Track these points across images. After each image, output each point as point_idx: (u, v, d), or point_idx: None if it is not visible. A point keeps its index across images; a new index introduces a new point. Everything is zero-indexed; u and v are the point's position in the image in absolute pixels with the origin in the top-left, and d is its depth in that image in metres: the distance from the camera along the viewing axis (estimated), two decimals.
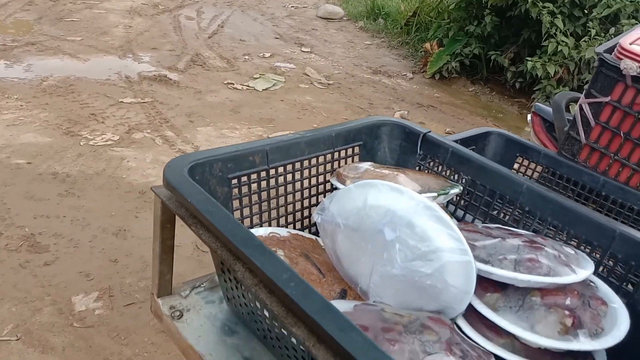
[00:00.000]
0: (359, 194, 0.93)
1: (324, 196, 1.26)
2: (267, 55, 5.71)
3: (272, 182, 1.15)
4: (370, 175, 1.13)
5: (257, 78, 4.95)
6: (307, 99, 4.66)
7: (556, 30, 4.16)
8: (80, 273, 2.35)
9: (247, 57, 5.57)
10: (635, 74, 1.44)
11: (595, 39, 4.16)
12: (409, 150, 1.33)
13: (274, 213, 1.17)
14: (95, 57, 5.05)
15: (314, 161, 1.22)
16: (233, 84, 4.76)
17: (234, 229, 0.79)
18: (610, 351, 0.92)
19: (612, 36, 4.16)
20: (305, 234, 1.17)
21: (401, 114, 4.59)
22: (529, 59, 4.40)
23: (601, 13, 4.12)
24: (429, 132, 1.32)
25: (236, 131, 3.90)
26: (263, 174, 1.12)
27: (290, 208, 1.22)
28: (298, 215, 1.23)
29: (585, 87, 1.57)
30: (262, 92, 4.68)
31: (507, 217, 1.17)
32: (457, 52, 5.28)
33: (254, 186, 1.12)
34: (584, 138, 1.58)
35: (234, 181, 1.07)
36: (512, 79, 5.08)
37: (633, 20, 4.18)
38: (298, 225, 1.23)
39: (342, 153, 1.28)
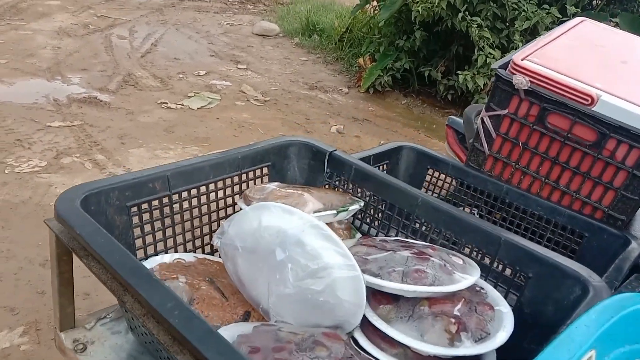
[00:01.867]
0: (254, 216, 0.96)
1: None
2: (202, 73, 5.69)
3: (176, 207, 1.16)
4: (274, 196, 1.16)
5: (191, 97, 4.92)
6: (243, 116, 4.67)
7: (484, 42, 4.36)
8: (4, 308, 2.25)
9: (181, 75, 5.53)
10: (526, 87, 1.54)
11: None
12: (317, 169, 1.37)
13: (179, 239, 1.18)
14: (21, 80, 4.88)
15: (220, 184, 1.24)
16: (167, 103, 4.71)
17: (122, 261, 0.80)
18: (502, 350, 0.98)
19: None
20: (214, 257, 1.18)
21: (337, 128, 4.67)
22: (459, 72, 4.58)
23: (522, 26, 4.35)
24: (335, 150, 1.37)
25: (170, 151, 3.85)
26: (165, 200, 1.13)
27: (197, 232, 1.23)
28: (206, 239, 1.24)
29: (485, 100, 1.67)
30: (197, 111, 4.65)
31: (406, 229, 1.23)
32: (389, 67, 5.43)
33: (156, 213, 1.12)
34: (487, 149, 1.68)
35: (134, 209, 1.07)
36: (444, 91, 5.27)
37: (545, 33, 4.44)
38: (207, 249, 1.24)
39: (250, 174, 1.31)
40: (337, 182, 1.36)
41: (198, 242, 1.22)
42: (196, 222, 1.22)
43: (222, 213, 1.28)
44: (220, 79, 5.60)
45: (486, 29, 4.36)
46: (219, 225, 1.27)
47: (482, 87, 4.54)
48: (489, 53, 4.38)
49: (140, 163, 3.62)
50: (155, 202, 1.11)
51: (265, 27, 7.75)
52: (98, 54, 5.90)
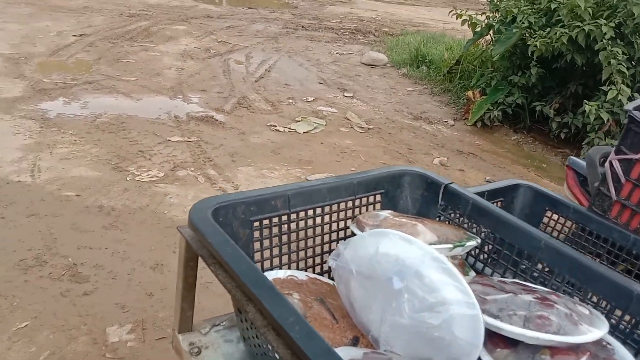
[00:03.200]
0: (371, 242, 0.96)
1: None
2: (310, 99, 5.87)
3: (293, 226, 1.19)
4: (388, 224, 1.16)
5: (299, 121, 5.09)
6: (346, 142, 4.74)
7: (619, 77, 4.10)
8: (116, 304, 2.43)
9: (291, 100, 5.75)
10: None
11: None
12: (431, 201, 1.36)
13: (293, 256, 1.21)
14: (147, 97, 5.34)
15: (335, 207, 1.26)
16: (275, 126, 4.91)
17: (248, 271, 0.84)
18: None
19: None
20: (324, 278, 1.20)
21: (440, 160, 4.59)
22: (587, 102, 4.32)
23: None
24: (451, 183, 1.34)
25: (275, 172, 3.99)
26: (284, 217, 1.17)
27: (310, 252, 1.26)
28: (317, 259, 1.26)
29: (616, 143, 1.57)
30: (303, 135, 4.80)
31: (525, 272, 1.17)
32: (500, 101, 5.27)
33: (275, 229, 1.16)
34: (615, 194, 1.56)
35: (256, 224, 1.12)
36: (557, 129, 5.01)
37: None
38: (317, 269, 1.26)
39: (364, 200, 1.32)
40: (451, 216, 1.33)
41: (310, 262, 1.25)
42: (310, 242, 1.25)
43: (334, 235, 1.30)
44: (327, 105, 5.75)
45: (623, 64, 4.09)
46: (330, 247, 1.29)
47: (605, 122, 4.25)
48: (621, 89, 4.10)
49: (247, 180, 3.79)
50: (275, 219, 1.16)
51: (373, 57, 7.87)
52: (217, 76, 6.31)
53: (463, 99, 6.16)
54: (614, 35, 4.12)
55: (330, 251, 1.29)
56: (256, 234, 1.13)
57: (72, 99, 4.99)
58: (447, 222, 1.32)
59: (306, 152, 4.42)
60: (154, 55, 6.78)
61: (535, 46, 4.45)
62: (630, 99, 4.21)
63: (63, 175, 3.55)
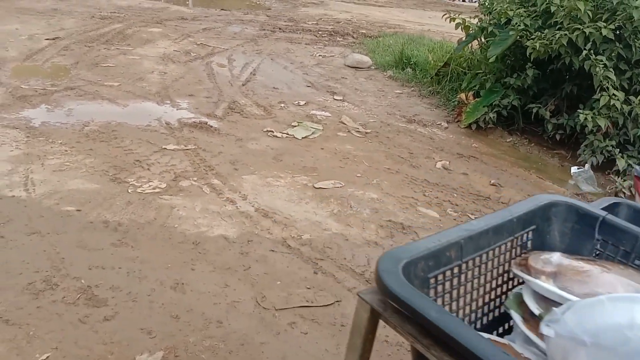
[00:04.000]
0: (618, 310, 0.83)
1: (506, 287, 1.16)
2: (302, 103, 5.73)
3: (463, 277, 1.06)
4: (570, 271, 1.03)
5: (295, 126, 4.95)
6: (347, 147, 4.63)
7: (608, 83, 4.13)
8: (141, 330, 2.24)
9: (282, 105, 5.60)
10: None
11: None
12: (583, 234, 1.23)
13: (467, 309, 1.08)
14: (134, 103, 5.10)
15: (497, 250, 1.14)
16: (272, 131, 4.75)
17: (474, 341, 0.69)
18: None
19: None
20: (498, 339, 1.07)
21: (443, 164, 4.53)
22: (580, 111, 4.35)
23: None
24: (608, 215, 1.22)
25: (281, 180, 3.85)
26: (456, 269, 1.04)
27: (480, 302, 1.13)
28: (486, 308, 1.13)
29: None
30: (301, 140, 4.66)
31: None
32: (495, 104, 5.27)
33: (448, 284, 1.03)
34: None
35: (432, 280, 0.98)
36: (553, 130, 5.04)
37: None
38: (484, 319, 1.13)
39: (518, 240, 1.20)
40: (613, 253, 1.20)
41: (479, 313, 1.12)
42: (480, 291, 1.11)
43: (498, 281, 1.16)
44: (319, 109, 5.62)
45: (611, 70, 4.13)
46: (495, 295, 1.16)
47: (602, 128, 4.28)
48: (614, 94, 4.14)
49: (254, 190, 3.62)
50: (448, 273, 1.03)
51: (357, 59, 7.79)
52: (202, 80, 6.10)
53: (454, 101, 6.14)
54: (613, 38, 4.16)
55: (498, 298, 1.15)
56: (432, 292, 0.99)
57: (55, 106, 4.71)
58: (620, 263, 1.17)
59: (308, 159, 4.29)
60: (134, 59, 6.51)
61: (534, 47, 4.45)
62: (627, 101, 4.25)
63: (59, 188, 3.31)
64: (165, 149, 4.12)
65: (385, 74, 7.53)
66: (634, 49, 4.20)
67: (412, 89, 6.92)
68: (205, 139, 4.42)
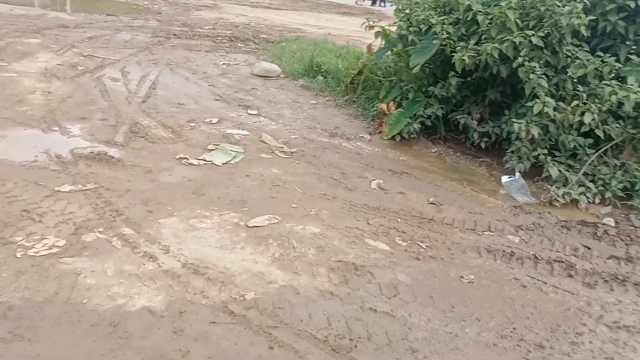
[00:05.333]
0: None
1: None
2: (214, 120, 5.18)
3: None
4: None
5: (212, 150, 4.39)
6: (274, 171, 4.17)
7: (541, 90, 4.06)
8: None
9: (192, 124, 5.00)
10: None
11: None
12: None
13: None
14: (14, 132, 4.26)
15: None
16: (187, 158, 4.16)
17: None
18: None
19: (585, 95, 4.13)
20: None
21: (378, 183, 4.23)
22: (515, 121, 4.25)
23: (576, 73, 4.09)
24: None
25: (207, 220, 3.30)
26: None
27: None
28: None
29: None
30: (222, 167, 4.13)
31: None
32: (419, 114, 5.08)
33: None
34: None
35: None
36: (479, 139, 4.94)
37: (596, 81, 4.20)
38: None
39: None
40: None
41: None
42: None
43: None
44: (235, 126, 5.10)
45: (543, 77, 4.07)
46: None
47: (536, 135, 4.21)
48: (546, 101, 4.07)
49: (176, 238, 3.06)
50: None
51: (265, 68, 7.33)
52: (94, 99, 5.32)
53: (372, 112, 5.90)
54: (542, 45, 4.09)
55: None
56: None
57: None
58: None
59: (234, 189, 3.77)
60: (10, 77, 5.54)
61: (462, 59, 4.29)
62: (556, 108, 4.22)
63: None
64: (59, 191, 3.40)
65: (296, 82, 7.15)
66: (560, 56, 4.17)
67: (327, 98, 6.60)
68: (107, 173, 3.74)
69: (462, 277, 3.05)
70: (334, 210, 3.66)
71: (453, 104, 5.15)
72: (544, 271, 3.23)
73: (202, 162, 4.14)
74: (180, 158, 4.16)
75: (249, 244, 3.08)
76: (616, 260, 3.45)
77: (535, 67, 4.06)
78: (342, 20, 14.84)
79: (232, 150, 4.42)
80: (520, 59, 4.12)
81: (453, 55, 4.49)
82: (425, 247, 3.33)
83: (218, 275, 2.73)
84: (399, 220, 3.65)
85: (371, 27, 5.43)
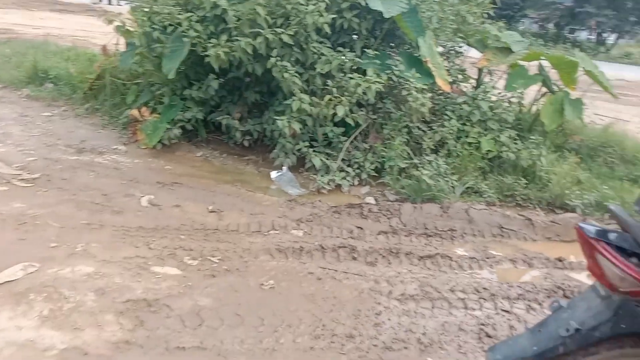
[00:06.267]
0: None
1: None
2: None
3: None
4: None
5: None
6: (16, 206, 3.41)
7: (297, 88, 4.17)
8: None
9: None
10: None
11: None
12: None
13: None
14: None
15: None
16: None
17: None
18: None
19: (335, 89, 4.42)
20: None
21: (148, 199, 3.84)
22: (277, 117, 4.29)
23: (323, 69, 4.33)
24: None
25: None
26: None
27: None
28: None
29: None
30: None
31: None
32: (178, 118, 4.78)
33: None
34: None
35: None
36: (241, 137, 4.90)
37: (340, 75, 4.54)
38: None
39: None
40: None
41: None
42: None
43: None
44: None
45: (297, 75, 4.20)
46: None
47: (298, 131, 4.36)
48: (301, 98, 4.23)
49: None
50: None
51: None
52: None
53: (122, 119, 5.36)
54: (292, 43, 4.21)
55: None
56: None
57: None
58: None
59: None
60: None
61: (218, 55, 4.14)
62: (311, 104, 4.41)
63: None
64: None
65: (20, 93, 6.06)
66: (308, 53, 4.36)
67: (63, 108, 5.76)
68: None
69: (263, 284, 2.96)
70: (104, 240, 3.17)
71: (211, 105, 4.99)
72: (332, 259, 3.36)
73: None
74: None
75: (4, 307, 2.43)
76: (385, 234, 3.80)
77: (287, 65, 4.18)
78: (60, 18, 13.20)
79: None
80: (273, 59, 4.19)
81: (205, 56, 4.31)
82: (217, 261, 3.13)
83: None
84: (183, 237, 3.36)
85: (110, 22, 4.87)
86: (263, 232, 3.60)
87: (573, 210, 4.37)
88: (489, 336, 2.71)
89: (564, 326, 1.59)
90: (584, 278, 3.42)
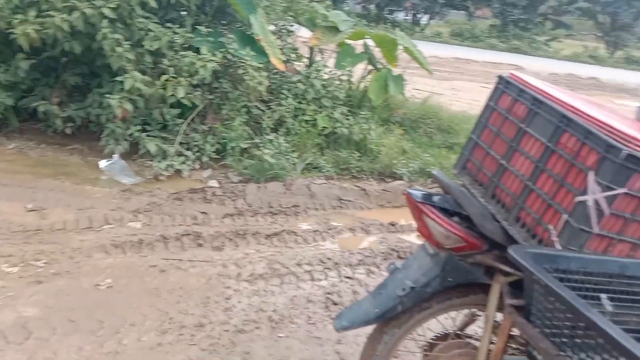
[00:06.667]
0: None
1: None
2: None
3: None
4: None
5: None
6: None
7: (131, 65, 3.84)
8: None
9: None
10: None
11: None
12: None
13: None
14: None
15: None
16: None
17: None
18: None
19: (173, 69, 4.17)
20: None
21: None
22: (109, 96, 3.91)
23: (152, 46, 4.05)
24: None
25: None
26: None
27: None
28: None
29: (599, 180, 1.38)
30: None
31: None
32: None
33: None
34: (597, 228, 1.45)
35: None
36: (62, 125, 4.43)
37: (171, 53, 4.31)
38: None
39: None
40: None
41: None
42: None
43: None
44: None
45: (129, 51, 3.86)
46: None
47: (130, 112, 4.05)
48: (134, 76, 3.92)
49: None
50: None
51: None
52: None
53: None
54: (116, 18, 3.86)
55: None
56: None
57: None
58: None
59: None
60: None
61: (27, 34, 3.64)
62: (145, 83, 4.13)
63: None
64: None
65: None
66: (133, 28, 4.04)
67: None
68: None
69: (98, 284, 2.72)
70: None
71: (22, 89, 4.41)
72: (176, 249, 3.22)
73: None
74: None
75: None
76: (230, 217, 3.75)
77: (120, 38, 3.83)
78: None
79: None
80: (104, 30, 3.79)
81: (10, 32, 3.77)
82: (43, 265, 2.81)
83: None
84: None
85: None
86: (95, 227, 3.31)
87: (401, 178, 4.76)
88: (335, 304, 2.84)
89: (401, 286, 1.71)
90: (415, 239, 3.75)
